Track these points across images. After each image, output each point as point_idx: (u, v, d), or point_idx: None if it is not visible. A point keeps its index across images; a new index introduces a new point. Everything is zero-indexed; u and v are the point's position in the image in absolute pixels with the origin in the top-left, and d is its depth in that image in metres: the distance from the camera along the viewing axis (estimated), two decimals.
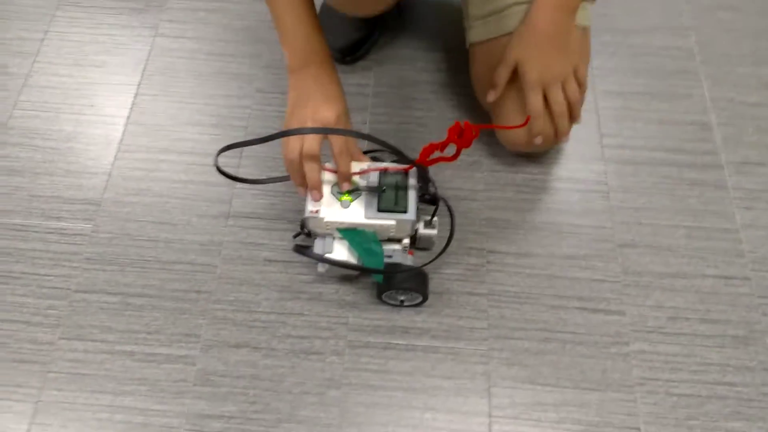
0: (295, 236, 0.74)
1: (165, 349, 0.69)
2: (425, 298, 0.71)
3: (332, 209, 0.66)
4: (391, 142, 0.84)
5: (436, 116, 0.87)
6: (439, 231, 0.77)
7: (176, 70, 0.90)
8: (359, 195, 0.67)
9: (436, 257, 0.72)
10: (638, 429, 0.67)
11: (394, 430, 0.66)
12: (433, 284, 0.74)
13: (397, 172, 0.68)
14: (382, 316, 0.72)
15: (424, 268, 0.72)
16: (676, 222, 0.80)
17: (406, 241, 0.69)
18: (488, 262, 0.76)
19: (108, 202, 0.78)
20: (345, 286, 0.73)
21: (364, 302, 0.73)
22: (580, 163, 0.84)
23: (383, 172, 0.68)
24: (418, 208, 0.68)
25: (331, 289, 0.73)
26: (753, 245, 0.78)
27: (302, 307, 0.72)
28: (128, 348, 0.69)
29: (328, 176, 0.68)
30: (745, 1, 1.00)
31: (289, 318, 0.71)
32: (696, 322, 0.73)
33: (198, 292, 0.72)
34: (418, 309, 0.73)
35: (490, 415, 0.67)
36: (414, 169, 0.67)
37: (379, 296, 0.71)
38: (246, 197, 0.79)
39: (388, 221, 0.66)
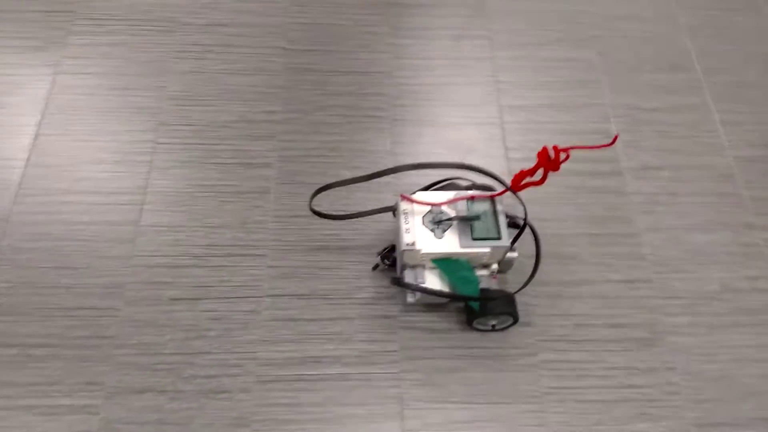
0: (374, 268, 0.75)
1: (67, 399, 0.67)
2: (516, 321, 0.72)
3: (427, 240, 0.66)
4: (303, 169, 0.84)
5: (346, 140, 0.87)
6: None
7: (78, 107, 0.88)
8: (450, 224, 0.67)
9: (527, 282, 0.71)
10: None
11: None
12: (345, 310, 0.74)
13: (483, 199, 0.69)
14: (293, 348, 0.72)
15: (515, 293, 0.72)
16: (580, 230, 0.82)
17: (495, 266, 0.70)
18: None
19: (6, 250, 0.76)
20: (253, 320, 0.73)
21: (273, 335, 0.72)
22: (488, 179, 0.85)
23: (471, 200, 0.68)
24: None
25: (237, 325, 0.72)
26: (653, 248, 0.81)
27: (210, 345, 0.71)
28: (29, 402, 0.67)
29: (418, 207, 0.68)
30: (644, 9, 1.04)
31: (195, 358, 0.70)
32: (601, 327, 0.75)
33: (101, 337, 0.71)
34: (329, 337, 0.72)
35: None
36: (501, 194, 0.69)
37: (470, 323, 0.72)
38: (150, 234, 0.78)
39: (483, 249, 0.66)
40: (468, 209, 0.68)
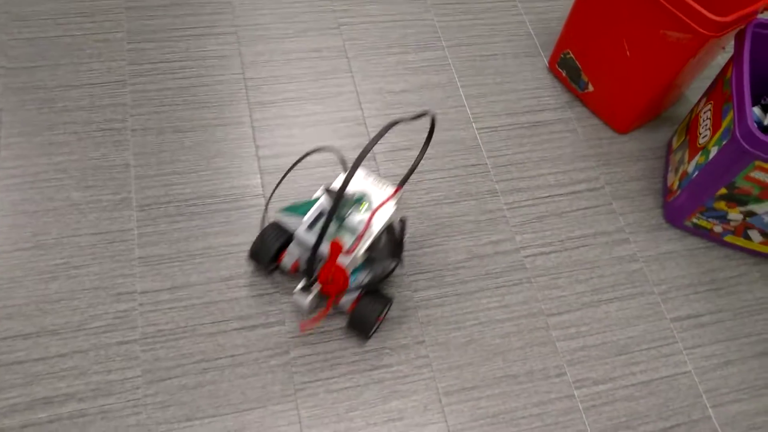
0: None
1: None
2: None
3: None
4: (28, 197, 0.77)
5: (78, 159, 0.81)
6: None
7: None
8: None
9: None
10: None
11: None
12: (78, 342, 0.69)
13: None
14: (19, 392, 0.66)
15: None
16: None
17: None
18: (140, 305, 0.73)
19: None
20: None
21: (6, 384, 0.66)
22: (237, 179, 0.83)
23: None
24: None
25: None
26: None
27: None
28: None
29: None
30: None
31: None
32: None
33: None
34: (60, 375, 0.67)
35: None
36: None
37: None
38: None
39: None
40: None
